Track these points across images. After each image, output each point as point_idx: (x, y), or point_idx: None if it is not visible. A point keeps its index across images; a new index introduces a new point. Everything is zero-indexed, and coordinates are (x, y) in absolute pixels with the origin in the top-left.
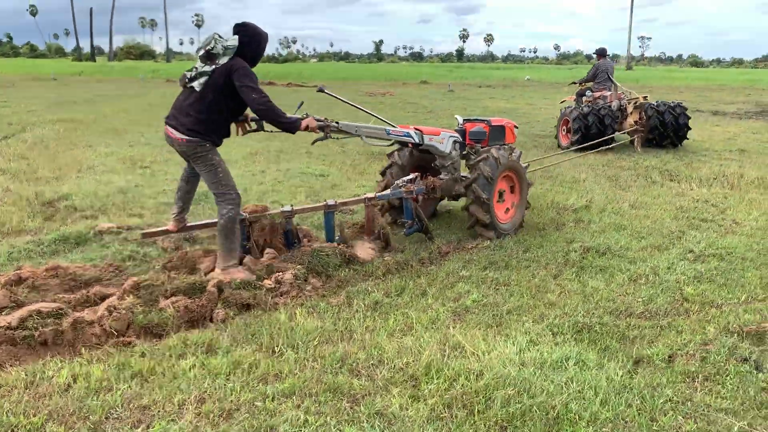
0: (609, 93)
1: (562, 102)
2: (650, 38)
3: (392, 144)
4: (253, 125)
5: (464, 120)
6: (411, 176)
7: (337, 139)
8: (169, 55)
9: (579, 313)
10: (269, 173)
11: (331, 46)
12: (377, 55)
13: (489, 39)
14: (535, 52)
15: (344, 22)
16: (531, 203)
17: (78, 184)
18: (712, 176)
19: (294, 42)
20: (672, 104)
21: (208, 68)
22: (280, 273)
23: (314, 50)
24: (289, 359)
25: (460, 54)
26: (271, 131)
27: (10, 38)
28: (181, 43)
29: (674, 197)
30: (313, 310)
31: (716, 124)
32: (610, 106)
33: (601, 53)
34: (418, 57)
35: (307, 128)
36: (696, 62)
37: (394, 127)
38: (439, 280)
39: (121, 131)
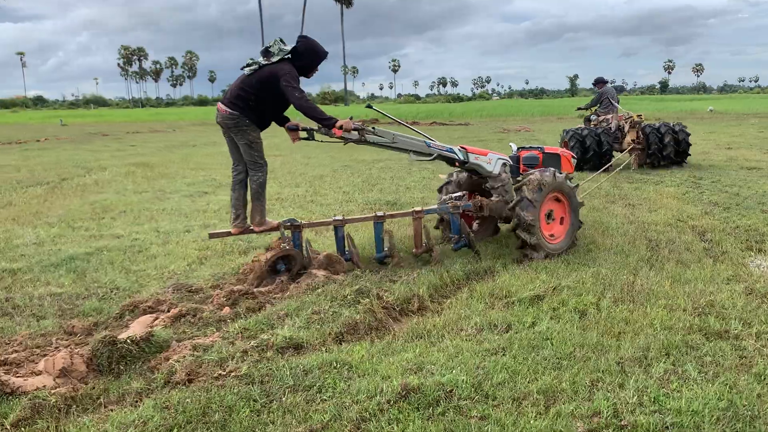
0: (611, 116)
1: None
2: None
3: (434, 159)
4: (304, 134)
5: (519, 148)
6: (459, 194)
7: (373, 144)
8: (347, 99)
9: None
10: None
11: (527, 83)
12: (571, 90)
13: (698, 69)
14: (756, 81)
15: (543, 60)
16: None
17: None
18: None
19: (488, 81)
20: (672, 125)
21: (261, 61)
22: None
23: (509, 88)
24: None
25: (664, 86)
26: (321, 141)
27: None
28: (381, 88)
29: (716, 285)
30: None
31: None
32: (609, 127)
33: (601, 81)
34: (619, 90)
35: (341, 127)
36: None
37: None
38: None
39: (170, 175)
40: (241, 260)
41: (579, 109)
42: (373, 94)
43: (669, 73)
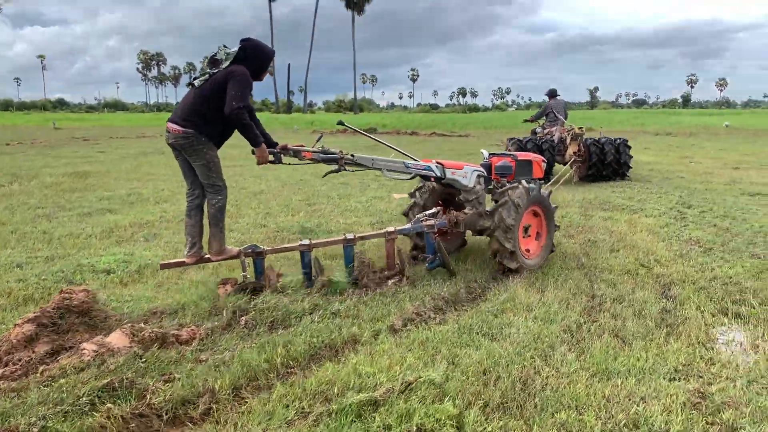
0: (555, 128)
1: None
2: None
3: (413, 177)
4: (270, 157)
5: (490, 154)
6: (433, 210)
7: (353, 171)
8: (356, 107)
9: None
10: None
11: None
12: (591, 102)
13: (722, 84)
14: None
15: (566, 72)
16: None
17: None
18: None
19: (508, 92)
20: (614, 140)
21: (210, 71)
22: None
23: (529, 99)
24: None
25: (686, 100)
26: (290, 163)
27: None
28: (401, 97)
29: (655, 383)
30: None
31: None
32: (552, 139)
33: (552, 94)
34: (641, 104)
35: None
36: None
37: (415, 161)
38: None
39: (95, 187)
40: (23, 312)
41: (525, 121)
42: (392, 103)
43: (692, 87)
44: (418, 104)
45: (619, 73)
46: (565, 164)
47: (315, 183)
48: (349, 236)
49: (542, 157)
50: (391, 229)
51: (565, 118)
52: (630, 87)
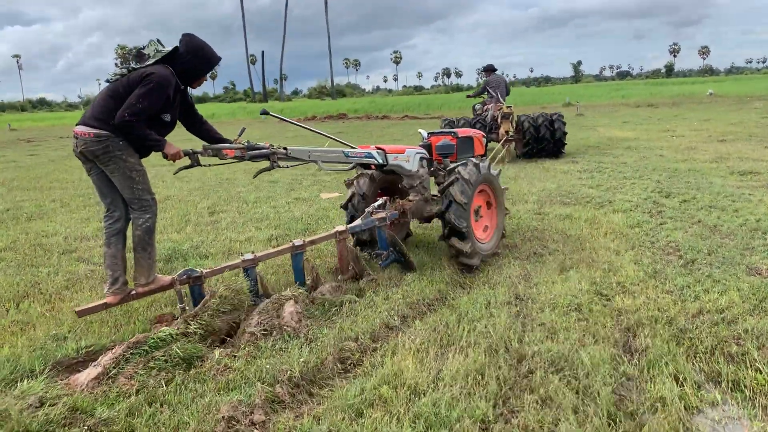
0: (491, 106)
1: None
2: None
3: (353, 167)
4: (186, 161)
5: (429, 134)
6: (380, 201)
7: (290, 167)
8: (334, 93)
9: None
10: None
11: (531, 71)
12: (575, 77)
13: (704, 52)
14: (764, 62)
15: (551, 46)
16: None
17: None
18: None
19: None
20: (550, 116)
21: (133, 66)
22: None
23: (514, 76)
24: None
25: (669, 70)
26: (209, 165)
27: (233, 85)
28: (385, 80)
29: None
30: None
31: None
32: (485, 117)
33: (490, 69)
34: (625, 75)
35: (166, 155)
36: None
37: (353, 148)
38: None
39: None
40: None
41: (468, 96)
42: (378, 87)
43: (674, 56)
44: (403, 86)
45: (603, 46)
46: (498, 142)
47: (241, 182)
48: (297, 242)
49: (482, 133)
50: (341, 228)
51: (507, 94)
52: (614, 59)
